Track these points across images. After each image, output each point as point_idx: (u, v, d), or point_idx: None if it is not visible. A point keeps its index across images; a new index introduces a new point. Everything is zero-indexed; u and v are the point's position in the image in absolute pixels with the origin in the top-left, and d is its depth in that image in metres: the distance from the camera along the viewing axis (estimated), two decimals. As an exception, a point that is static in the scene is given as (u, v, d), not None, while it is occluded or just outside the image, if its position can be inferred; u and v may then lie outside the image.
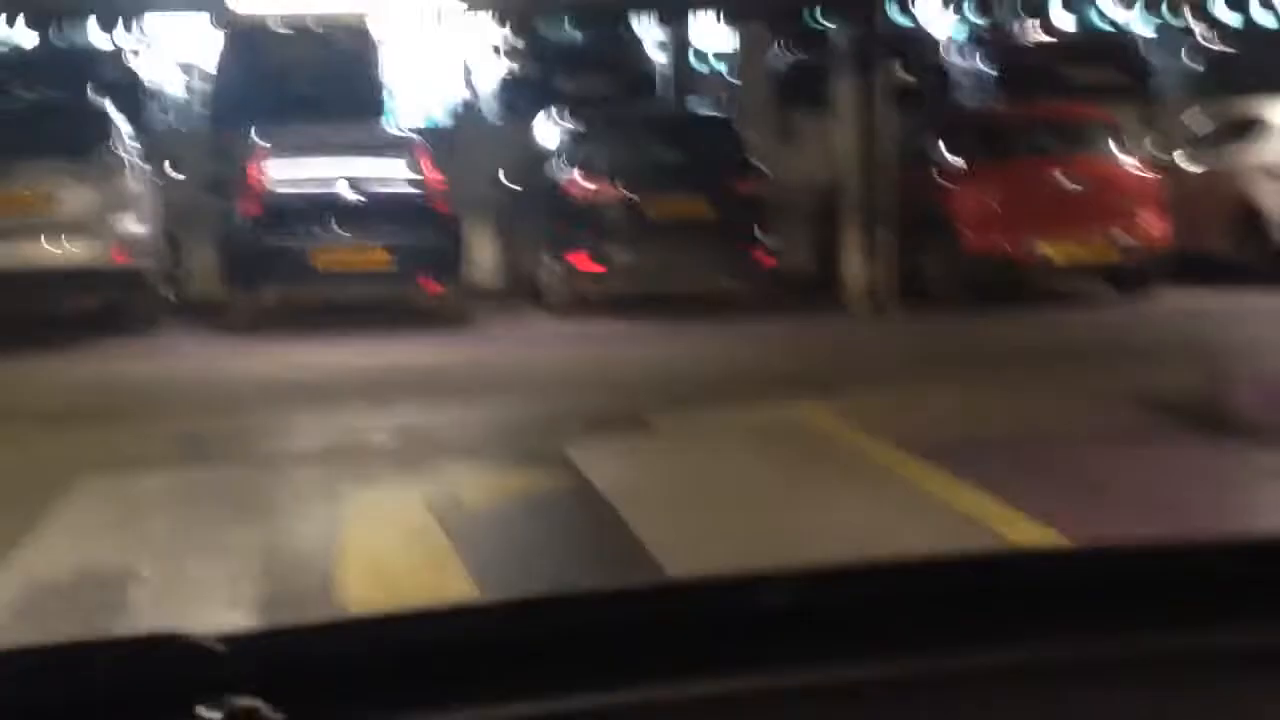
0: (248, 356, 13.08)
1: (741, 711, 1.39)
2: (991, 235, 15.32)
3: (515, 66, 21.09)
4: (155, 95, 21.24)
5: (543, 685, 1.40)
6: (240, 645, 1.42)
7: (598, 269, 15.15)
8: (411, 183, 14.79)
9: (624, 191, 15.19)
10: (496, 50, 21.87)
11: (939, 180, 15.95)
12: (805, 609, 1.48)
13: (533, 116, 20.04)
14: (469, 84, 23.93)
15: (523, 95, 20.88)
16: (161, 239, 15.30)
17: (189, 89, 24.47)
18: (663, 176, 15.36)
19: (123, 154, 14.20)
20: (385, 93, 20.64)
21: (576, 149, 15.62)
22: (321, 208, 14.42)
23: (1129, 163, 15.92)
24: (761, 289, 15.53)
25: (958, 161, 16.07)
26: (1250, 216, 15.99)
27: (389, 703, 1.38)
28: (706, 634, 1.45)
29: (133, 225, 14.05)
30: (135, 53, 20.66)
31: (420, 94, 26.46)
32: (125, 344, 13.82)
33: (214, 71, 20.28)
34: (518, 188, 17.19)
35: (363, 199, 14.44)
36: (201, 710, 1.32)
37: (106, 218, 13.84)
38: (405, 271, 14.41)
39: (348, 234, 14.36)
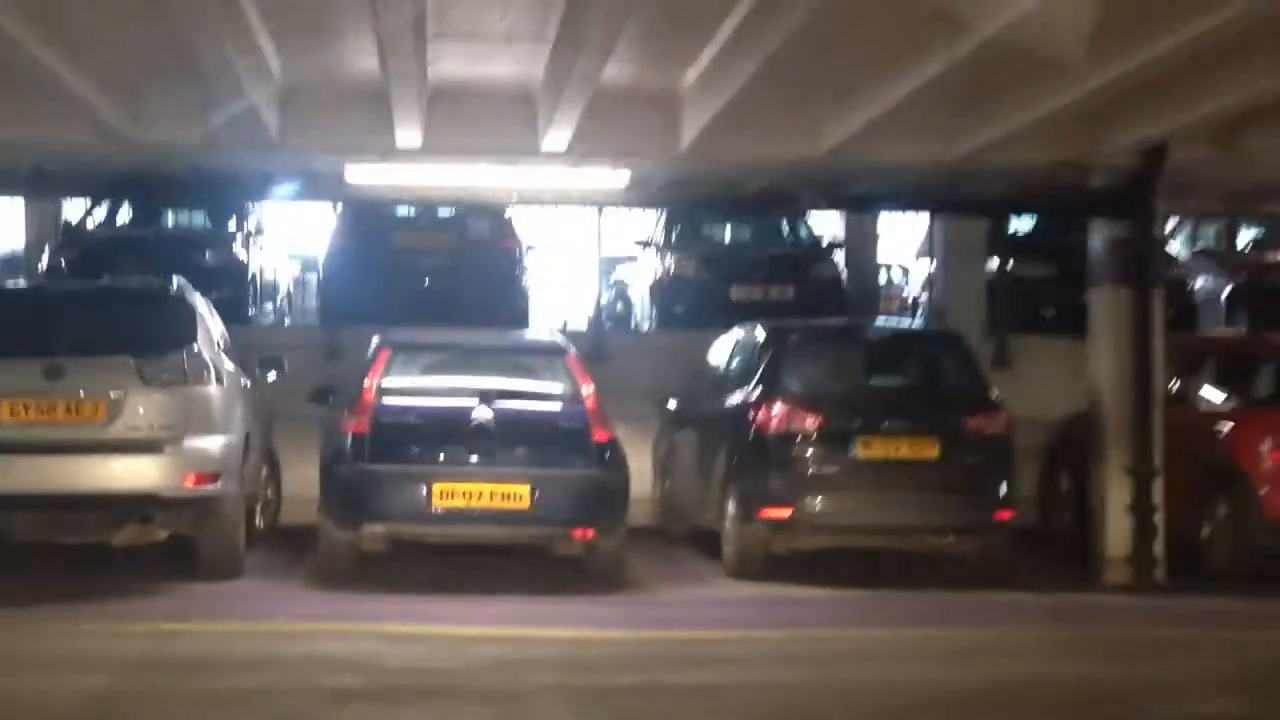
0: (334, 621, 9.93)
1: None
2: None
3: (671, 265, 18.12)
4: (264, 286, 18.50)
5: None
6: None
7: (784, 513, 11.94)
8: (563, 402, 11.73)
9: (829, 423, 12.04)
10: (647, 245, 18.95)
11: (1213, 422, 12.68)
12: None
13: (692, 325, 17.22)
14: (614, 285, 21.12)
15: (680, 299, 17.95)
16: (256, 458, 12.32)
17: (302, 281, 21.86)
18: (881, 407, 12.20)
19: (208, 355, 11.27)
20: (527, 292, 17.75)
21: (769, 368, 12.49)
22: (448, 428, 11.40)
23: None
24: (994, 551, 12.24)
25: (1232, 400, 12.82)
26: None
27: None
28: None
29: (213, 442, 11.07)
30: (246, 235, 17.92)
31: (557, 294, 23.67)
32: (188, 595, 10.75)
33: (326, 256, 17.48)
34: (681, 412, 14.09)
35: (502, 420, 11.40)
36: None
37: (179, 432, 10.88)
38: (551, 513, 11.28)
39: (479, 462, 11.30)
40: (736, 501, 12.17)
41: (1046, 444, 13.92)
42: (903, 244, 22.29)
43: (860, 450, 11.99)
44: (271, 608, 10.33)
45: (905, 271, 22.31)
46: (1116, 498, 12.43)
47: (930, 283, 19.86)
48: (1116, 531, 12.42)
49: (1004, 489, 12.13)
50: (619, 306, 20.57)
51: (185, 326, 11.20)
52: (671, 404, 14.34)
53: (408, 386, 11.76)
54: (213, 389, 11.18)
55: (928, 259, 20.10)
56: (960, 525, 12.05)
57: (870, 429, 12.01)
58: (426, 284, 17.10)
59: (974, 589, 11.85)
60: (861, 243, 19.41)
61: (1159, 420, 12.44)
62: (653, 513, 14.31)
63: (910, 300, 20.49)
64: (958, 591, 11.81)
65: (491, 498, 11.22)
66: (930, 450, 11.97)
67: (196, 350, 11.16)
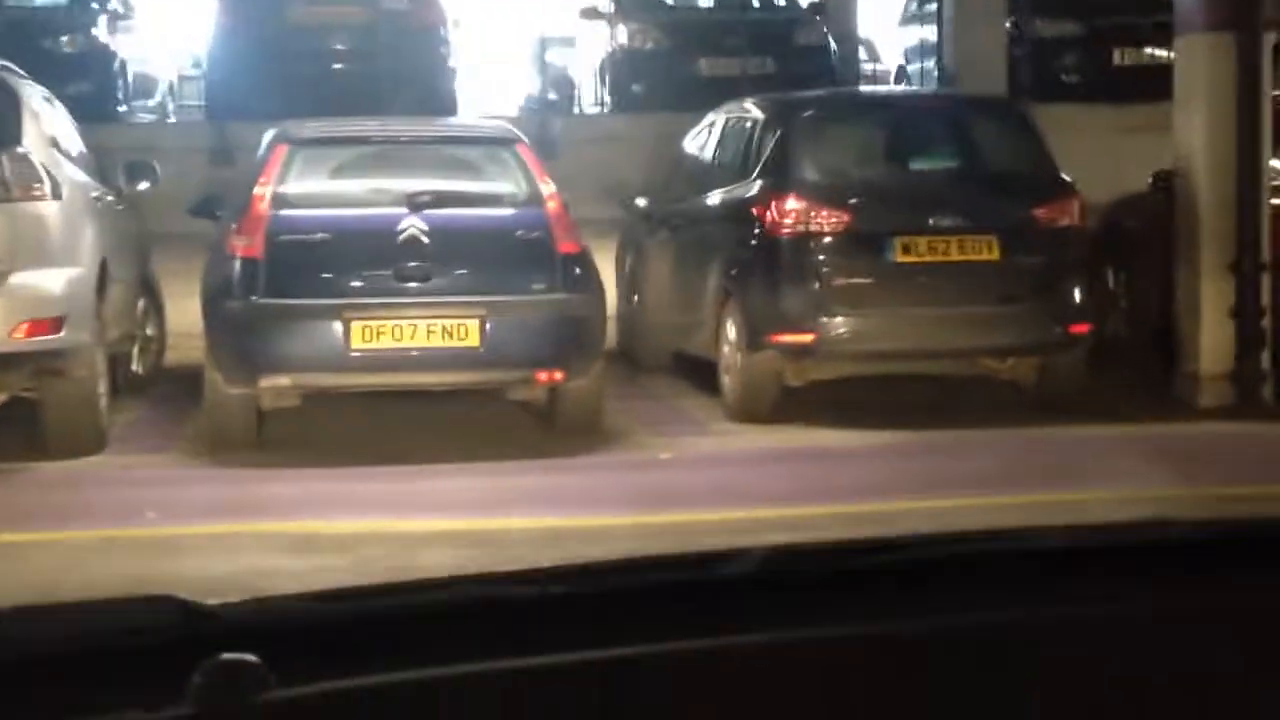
0: (222, 518, 7.29)
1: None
2: None
3: (627, 37, 15.23)
4: (136, 79, 15.50)
5: (523, 645, 1.44)
6: (235, 609, 1.48)
7: (806, 337, 9.35)
8: (518, 207, 8.99)
9: (859, 220, 9.38)
10: (597, 15, 16.03)
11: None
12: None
13: (655, 107, 14.46)
14: (548, 69, 18.23)
15: (639, 77, 15.15)
16: (122, 293, 9.54)
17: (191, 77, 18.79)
18: (923, 198, 9.54)
19: (40, 161, 8.41)
20: (453, 76, 14.88)
21: (776, 154, 9.76)
22: (368, 246, 8.69)
23: None
24: (1064, 374, 9.72)
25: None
26: None
27: (375, 664, 1.41)
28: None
29: (52, 278, 8.28)
30: (112, 16, 14.86)
31: (485, 79, 20.71)
32: (28, 483, 8.06)
33: (212, 36, 14.45)
34: (654, 213, 11.37)
35: (439, 232, 8.67)
36: (196, 666, 1.34)
37: (2, 266, 8.08)
38: (507, 351, 8.63)
39: (411, 289, 8.61)
40: (741, 324, 9.53)
41: (1105, 233, 11.33)
42: (879, 11, 19.53)
43: (899, 254, 9.34)
44: (139, 499, 7.64)
45: (871, 45, 19.73)
46: (1214, 300, 9.89)
47: (917, 53, 17.25)
48: (1214, 342, 9.89)
49: (1079, 296, 9.56)
50: (552, 96, 17.74)
51: (3, 122, 8.32)
52: (640, 203, 11.59)
53: (313, 193, 9.00)
54: (48, 206, 8.34)
55: (915, 25, 17.42)
56: (1028, 344, 9.49)
57: (911, 227, 9.36)
58: (334, 68, 14.23)
59: (1039, 423, 9.33)
60: (840, 9, 16.64)
61: (1267, 203, 9.86)
62: (618, 334, 11.65)
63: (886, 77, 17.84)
64: (1022, 427, 9.30)
65: (429, 335, 8.56)
66: (988, 251, 9.34)
67: (22, 153, 8.29)
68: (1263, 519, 1.74)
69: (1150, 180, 10.99)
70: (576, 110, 16.93)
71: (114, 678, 1.37)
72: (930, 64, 16.21)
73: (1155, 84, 14.20)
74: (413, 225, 8.64)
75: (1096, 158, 12.22)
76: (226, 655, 1.36)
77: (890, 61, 18.92)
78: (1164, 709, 1.50)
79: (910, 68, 17.09)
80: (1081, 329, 9.55)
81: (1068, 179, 9.70)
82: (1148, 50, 14.70)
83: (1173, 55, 10.72)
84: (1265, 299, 9.77)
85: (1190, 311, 10.03)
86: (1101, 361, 10.05)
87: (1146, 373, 10.39)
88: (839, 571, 1.61)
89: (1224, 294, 9.85)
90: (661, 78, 14.66)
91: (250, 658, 1.36)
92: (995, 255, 9.30)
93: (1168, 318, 10.39)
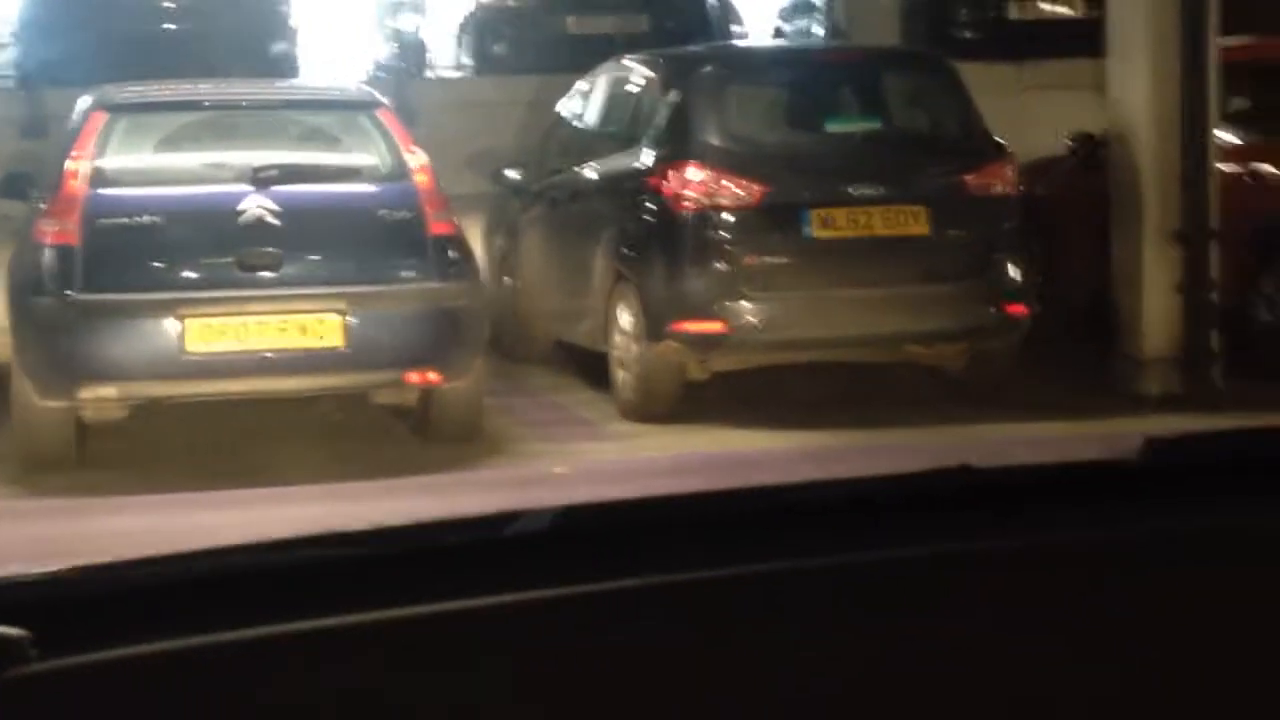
0: (39, 556, 6.00)
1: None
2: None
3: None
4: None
5: (305, 609, 1.41)
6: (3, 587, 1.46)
7: (713, 326, 8.21)
8: (381, 181, 7.74)
9: (771, 192, 8.25)
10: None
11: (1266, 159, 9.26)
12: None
13: (519, 68, 13.24)
14: (393, 33, 16.89)
15: (501, 36, 13.92)
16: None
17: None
18: (842, 166, 8.42)
19: None
20: (295, 36, 13.52)
21: (674, 119, 8.58)
22: (206, 230, 7.39)
23: None
24: (994, 361, 8.70)
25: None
26: None
27: (146, 633, 1.40)
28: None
29: None
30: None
31: (324, 41, 19.28)
32: None
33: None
34: (528, 186, 10.12)
35: (289, 211, 7.39)
36: None
37: None
38: (373, 350, 7.39)
39: (258, 280, 7.35)
40: (638, 311, 8.37)
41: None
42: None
43: (816, 228, 8.24)
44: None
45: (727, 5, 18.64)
46: (1157, 274, 8.93)
47: (790, 13, 16.24)
48: (1158, 321, 8.93)
49: (1016, 274, 8.54)
50: (399, 60, 16.43)
51: None
52: (511, 176, 10.34)
53: (138, 169, 7.69)
54: None
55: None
56: (961, 329, 8.44)
57: (829, 198, 8.26)
58: (163, 29, 12.83)
59: (972, 419, 8.28)
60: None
61: (1214, 165, 8.91)
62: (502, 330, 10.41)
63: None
64: (953, 425, 8.24)
65: (280, 333, 7.31)
66: (915, 224, 8.28)
67: None
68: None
69: (1068, 143, 10.12)
70: (430, 74, 15.64)
71: None
72: (809, 24, 15.19)
73: (1054, 40, 13.41)
74: (258, 205, 7.36)
75: (995, 120, 11.27)
76: None
77: (755, 25, 17.88)
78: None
79: (787, 27, 16.02)
80: (1019, 310, 8.53)
81: (1001, 141, 8.67)
82: (1045, 4, 13.83)
83: (1088, 8, 9.76)
84: (1214, 271, 8.84)
85: (1129, 287, 9.05)
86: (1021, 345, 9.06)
87: (1074, 357, 9.40)
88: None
89: (1169, 266, 8.89)
90: (526, 37, 13.46)
91: (10, 630, 1.36)
92: (924, 228, 8.24)
93: (1097, 295, 9.43)
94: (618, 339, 8.59)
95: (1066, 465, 1.80)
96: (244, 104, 8.27)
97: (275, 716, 1.40)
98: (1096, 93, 9.79)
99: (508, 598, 1.46)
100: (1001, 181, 8.47)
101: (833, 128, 8.74)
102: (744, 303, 8.17)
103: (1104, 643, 1.50)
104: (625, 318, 8.49)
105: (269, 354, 7.24)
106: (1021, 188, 8.63)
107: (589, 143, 9.52)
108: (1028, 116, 11.67)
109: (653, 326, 8.26)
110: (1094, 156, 9.50)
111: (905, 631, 1.49)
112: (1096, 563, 1.55)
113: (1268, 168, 9.30)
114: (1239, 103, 9.70)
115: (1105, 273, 9.31)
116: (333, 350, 7.30)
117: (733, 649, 1.47)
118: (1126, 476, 1.71)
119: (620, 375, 8.60)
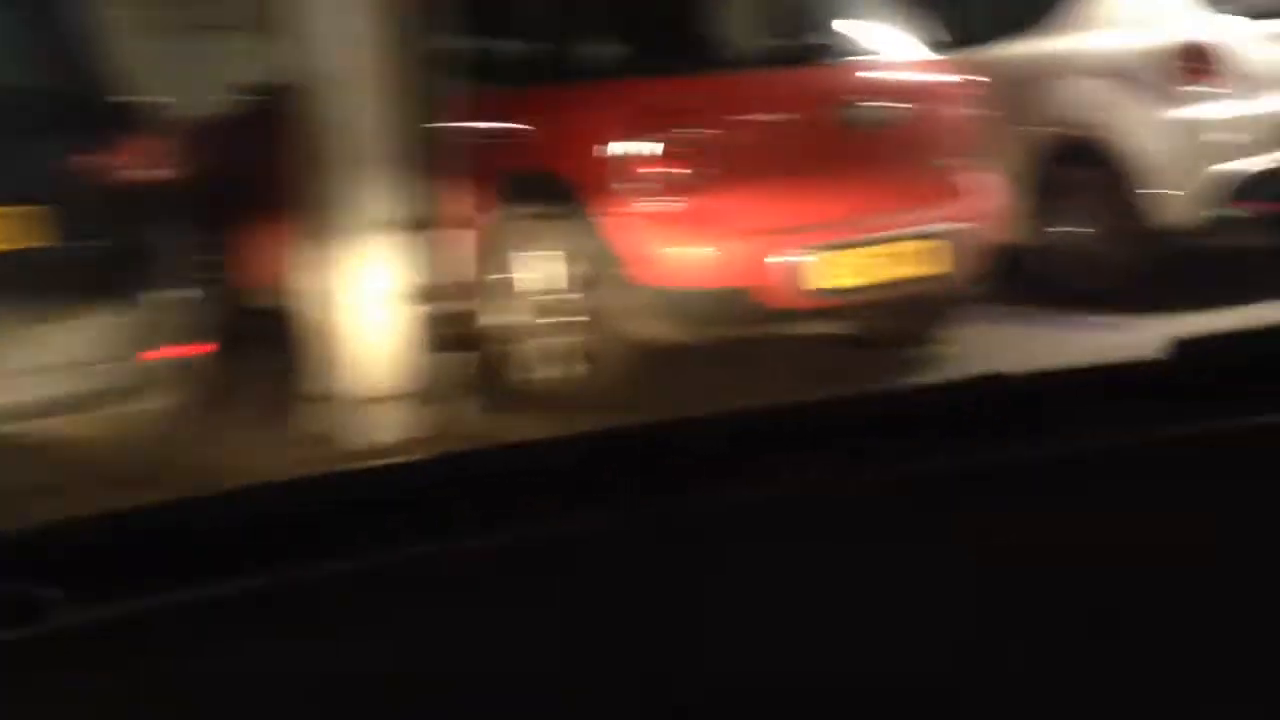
0: None
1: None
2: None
3: None
4: None
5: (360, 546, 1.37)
6: (19, 534, 1.41)
7: None
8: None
9: None
10: None
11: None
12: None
13: None
14: None
15: None
16: None
17: None
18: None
19: None
20: None
21: None
22: None
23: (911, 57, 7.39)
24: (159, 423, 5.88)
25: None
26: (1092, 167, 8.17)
27: (172, 580, 1.35)
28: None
29: None
30: None
31: None
32: None
33: None
34: None
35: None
36: None
37: None
38: None
39: None
40: None
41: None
42: None
43: None
44: None
45: None
46: (366, 280, 6.42)
47: None
48: (372, 346, 6.44)
49: (181, 294, 5.74)
50: None
51: None
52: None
53: None
54: None
55: None
56: (81, 393, 5.51)
57: None
58: None
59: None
60: None
61: (445, 128, 6.48)
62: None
63: None
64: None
65: None
66: (27, 233, 5.30)
67: None
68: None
69: (235, 99, 7.61)
70: None
71: None
72: None
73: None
74: None
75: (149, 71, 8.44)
76: (8, 582, 1.29)
77: None
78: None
79: None
80: (184, 351, 5.74)
81: (147, 101, 5.79)
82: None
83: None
84: (468, 272, 6.47)
85: (326, 298, 6.50)
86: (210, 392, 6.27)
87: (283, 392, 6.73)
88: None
89: (376, 267, 6.42)
90: None
91: (27, 585, 1.29)
92: (40, 238, 5.26)
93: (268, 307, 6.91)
94: None
95: (1095, 368, 1.69)
96: None
97: (309, 658, 1.31)
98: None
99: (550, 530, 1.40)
100: (148, 155, 5.63)
101: None
102: None
103: (1145, 547, 1.45)
104: None
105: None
106: (184, 165, 5.78)
107: None
108: (195, 64, 8.88)
109: None
110: (275, 115, 6.86)
111: (936, 544, 1.43)
112: (1130, 464, 1.51)
113: (518, 125, 7.04)
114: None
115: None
116: None
117: (763, 569, 1.39)
118: (1158, 376, 1.64)
119: None
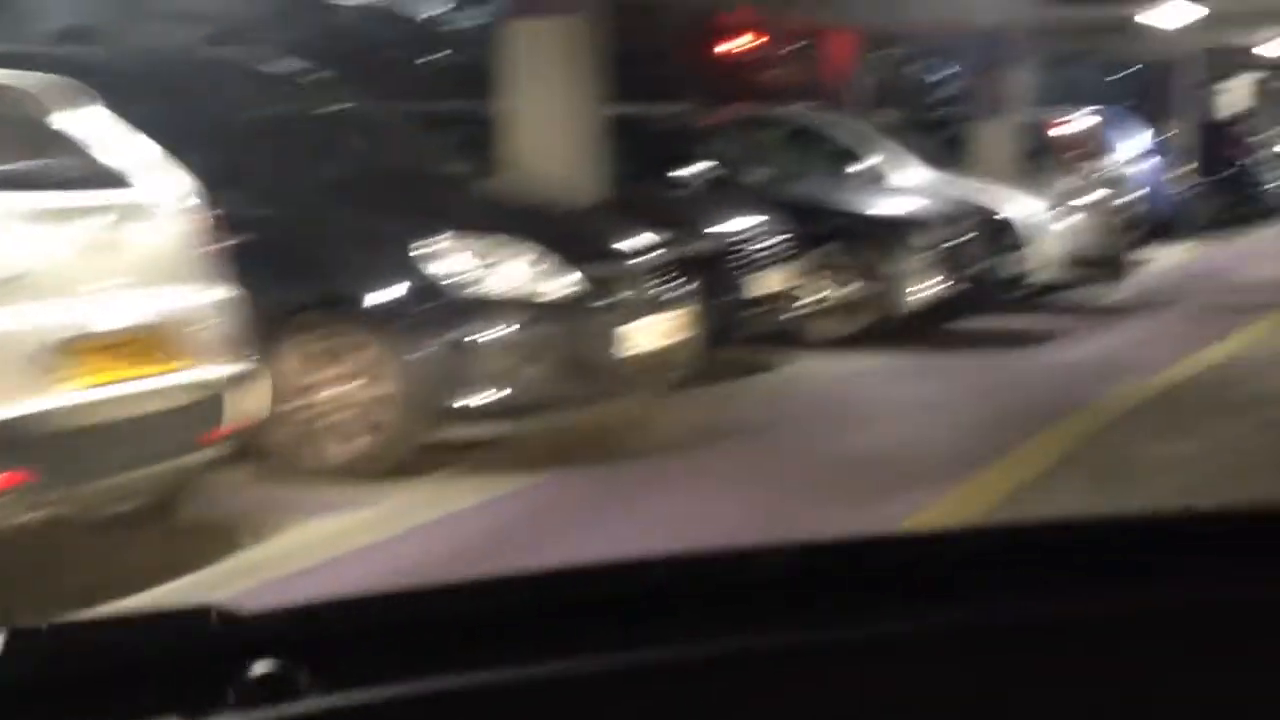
0: None
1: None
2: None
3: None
4: None
5: (560, 649, 1.40)
6: (272, 616, 1.43)
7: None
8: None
9: None
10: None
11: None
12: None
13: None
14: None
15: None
16: None
17: None
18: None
19: None
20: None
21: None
22: None
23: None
24: None
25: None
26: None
27: (416, 667, 1.37)
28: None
29: None
30: None
31: None
32: None
33: None
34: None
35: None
36: (230, 676, 1.32)
37: None
38: None
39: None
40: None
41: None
42: None
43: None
44: None
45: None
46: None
47: None
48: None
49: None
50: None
51: None
52: None
53: None
54: None
55: None
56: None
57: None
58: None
59: None
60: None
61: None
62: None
63: None
64: None
65: None
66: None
67: None
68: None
69: None
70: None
71: (148, 692, 1.32)
72: None
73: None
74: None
75: None
76: (261, 663, 1.33)
77: None
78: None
79: None
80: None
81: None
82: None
83: None
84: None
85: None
86: None
87: None
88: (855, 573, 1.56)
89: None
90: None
91: (285, 665, 1.33)
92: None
93: None
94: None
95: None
96: None
97: None
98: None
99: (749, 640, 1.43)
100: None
101: None
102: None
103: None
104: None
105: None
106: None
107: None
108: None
109: None
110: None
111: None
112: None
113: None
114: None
115: None
116: None
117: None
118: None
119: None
